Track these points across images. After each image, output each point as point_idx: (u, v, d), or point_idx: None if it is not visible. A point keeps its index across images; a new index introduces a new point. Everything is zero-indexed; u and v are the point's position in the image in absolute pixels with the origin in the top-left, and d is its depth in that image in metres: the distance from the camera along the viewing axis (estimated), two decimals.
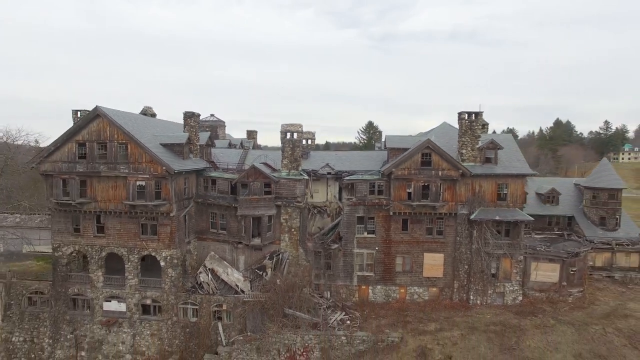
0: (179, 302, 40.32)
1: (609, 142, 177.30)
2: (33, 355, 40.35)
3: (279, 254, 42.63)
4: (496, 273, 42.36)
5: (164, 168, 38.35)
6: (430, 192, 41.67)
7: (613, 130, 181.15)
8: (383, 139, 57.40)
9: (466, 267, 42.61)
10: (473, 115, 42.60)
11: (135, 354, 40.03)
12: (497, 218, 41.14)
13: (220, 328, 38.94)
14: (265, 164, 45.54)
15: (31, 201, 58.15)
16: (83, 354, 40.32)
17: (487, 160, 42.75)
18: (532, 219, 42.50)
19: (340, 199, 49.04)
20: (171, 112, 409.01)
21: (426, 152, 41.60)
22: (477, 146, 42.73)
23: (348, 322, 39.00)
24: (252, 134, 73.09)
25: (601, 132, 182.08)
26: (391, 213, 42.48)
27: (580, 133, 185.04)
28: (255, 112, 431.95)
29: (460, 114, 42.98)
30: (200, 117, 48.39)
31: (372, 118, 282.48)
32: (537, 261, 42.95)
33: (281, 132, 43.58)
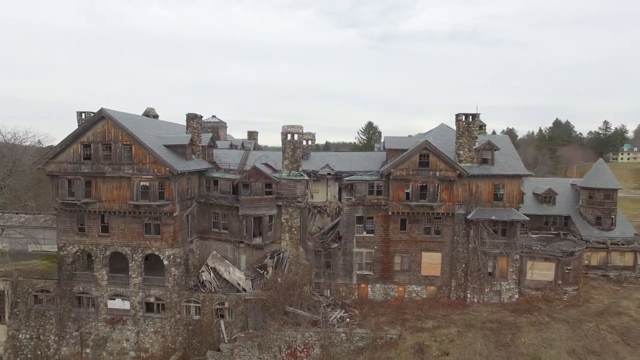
0: (182, 300, 41.08)
1: (608, 142, 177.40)
2: (39, 352, 41.16)
3: (280, 253, 43.36)
4: (493, 272, 43.11)
5: (168, 169, 39.09)
6: (428, 192, 42.45)
7: (612, 131, 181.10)
8: (382, 140, 58.07)
9: (463, 266, 43.36)
10: (470, 116, 43.34)
11: (139, 351, 40.84)
12: (493, 218, 41.89)
13: (223, 325, 39.70)
14: (266, 164, 46.31)
15: (37, 201, 58.95)
16: (88, 351, 41.14)
17: (484, 161, 43.48)
18: (527, 218, 43.27)
19: (340, 199, 49.85)
20: (171, 112, 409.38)
21: (424, 153, 42.36)
22: (474, 147, 43.45)
23: (347, 319, 39.74)
24: (253, 135, 73.95)
25: (600, 132, 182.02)
26: (390, 213, 43.26)
27: (580, 133, 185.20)
28: (255, 112, 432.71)
29: (457, 115, 43.68)
30: (202, 119, 49.15)
31: (372, 118, 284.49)
32: (533, 260, 43.64)
33: (282, 133, 44.32)
